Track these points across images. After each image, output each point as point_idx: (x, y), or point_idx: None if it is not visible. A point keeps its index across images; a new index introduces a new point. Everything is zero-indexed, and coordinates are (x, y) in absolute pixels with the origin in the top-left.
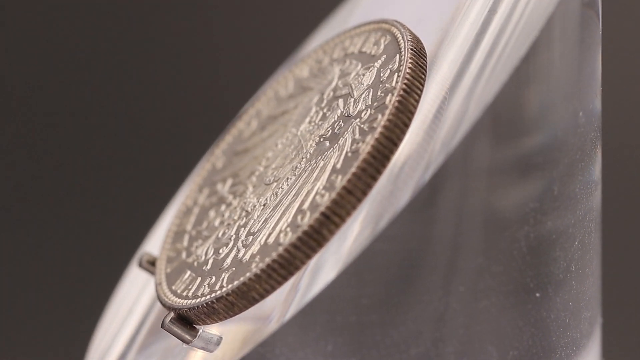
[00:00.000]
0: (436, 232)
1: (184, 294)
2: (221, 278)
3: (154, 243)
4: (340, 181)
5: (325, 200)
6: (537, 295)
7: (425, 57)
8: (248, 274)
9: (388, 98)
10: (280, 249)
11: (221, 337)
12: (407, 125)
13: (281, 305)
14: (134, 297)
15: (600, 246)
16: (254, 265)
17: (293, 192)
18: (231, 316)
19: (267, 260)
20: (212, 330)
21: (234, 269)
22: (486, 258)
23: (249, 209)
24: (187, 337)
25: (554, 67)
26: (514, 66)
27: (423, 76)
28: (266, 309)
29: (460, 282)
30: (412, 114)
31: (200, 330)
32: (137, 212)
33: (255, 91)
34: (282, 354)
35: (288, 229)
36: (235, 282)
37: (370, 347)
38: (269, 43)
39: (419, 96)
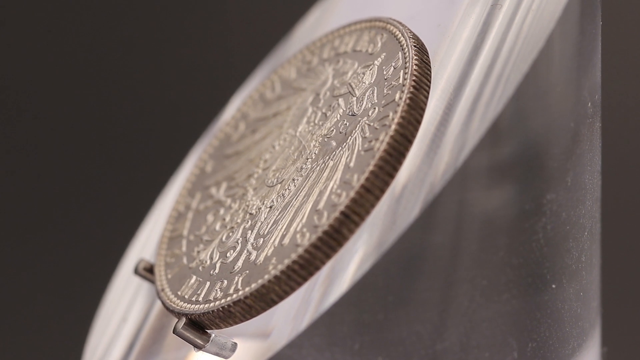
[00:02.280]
0: (459, 226)
1: (194, 299)
2: (234, 281)
3: (139, 249)
4: (357, 180)
5: (343, 199)
6: (553, 286)
7: (428, 54)
8: (266, 276)
9: (397, 95)
10: (300, 250)
11: (236, 343)
12: (419, 122)
13: (293, 317)
14: (122, 311)
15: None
16: (271, 267)
17: (303, 193)
18: (247, 319)
19: (287, 261)
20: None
21: (247, 271)
22: (507, 251)
23: (253, 212)
24: (200, 342)
25: (558, 57)
26: (528, 65)
27: (429, 72)
28: (279, 320)
29: (483, 276)
30: (423, 110)
31: (213, 335)
32: (115, 218)
33: (227, 95)
34: (309, 354)
35: (305, 230)
36: (253, 285)
37: (397, 344)
38: (240, 47)
39: (428, 92)
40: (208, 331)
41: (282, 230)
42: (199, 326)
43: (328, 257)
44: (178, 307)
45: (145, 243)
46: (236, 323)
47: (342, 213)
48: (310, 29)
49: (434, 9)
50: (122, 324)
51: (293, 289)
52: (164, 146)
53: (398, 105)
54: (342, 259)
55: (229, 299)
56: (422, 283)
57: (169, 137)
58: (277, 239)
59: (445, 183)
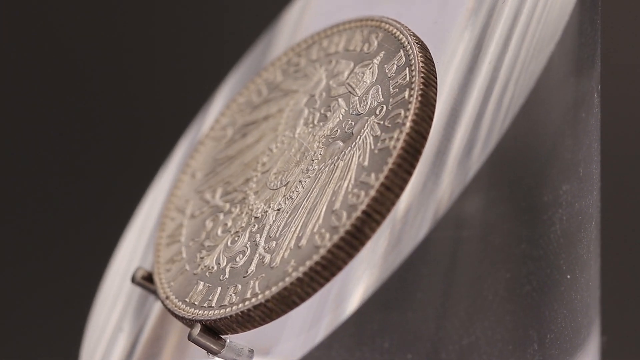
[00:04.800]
0: (484, 220)
1: (206, 304)
2: (250, 285)
3: (126, 257)
4: (376, 179)
5: (363, 198)
6: (568, 277)
7: (429, 51)
8: (287, 279)
9: (407, 92)
10: (322, 251)
11: (252, 350)
12: (431, 119)
13: (305, 335)
14: (114, 321)
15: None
16: (290, 269)
17: (314, 194)
18: (266, 323)
19: (308, 263)
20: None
21: (263, 275)
22: (528, 244)
23: (258, 215)
24: (215, 347)
25: (569, 48)
26: (543, 62)
27: (434, 69)
28: (291, 337)
29: (507, 269)
30: (434, 106)
31: (228, 341)
32: (95, 225)
33: (201, 98)
34: (338, 354)
35: (323, 231)
36: (273, 288)
37: (425, 341)
38: (214, 48)
39: (436, 89)
40: (222, 336)
41: (297, 232)
42: (213, 332)
43: (350, 256)
44: (190, 314)
45: (133, 251)
46: (254, 327)
47: (364, 212)
48: (290, 28)
49: (420, 6)
50: (119, 333)
51: (315, 290)
52: (142, 151)
53: (410, 102)
54: (350, 278)
55: (247, 303)
56: (448, 279)
57: (146, 143)
58: (293, 241)
59: (453, 201)
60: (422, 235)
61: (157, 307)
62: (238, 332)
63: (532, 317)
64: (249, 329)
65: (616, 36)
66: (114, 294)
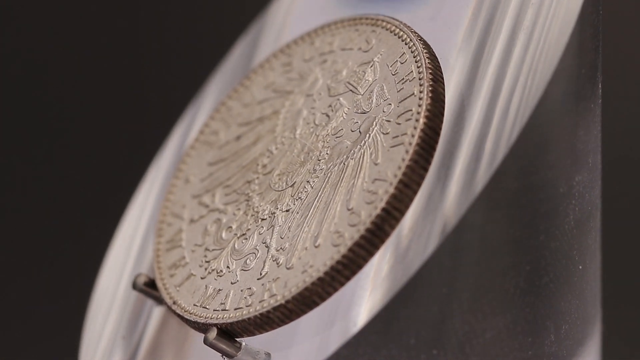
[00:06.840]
0: (504, 213)
1: (220, 308)
2: (267, 287)
3: (119, 264)
4: (393, 176)
5: (382, 195)
6: (580, 267)
7: (432, 47)
8: (308, 279)
9: (416, 89)
10: (343, 249)
11: (269, 354)
12: (442, 114)
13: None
14: (110, 330)
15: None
16: (309, 269)
17: (325, 194)
18: (285, 324)
19: (329, 262)
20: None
21: (279, 276)
22: (546, 236)
23: (266, 217)
24: (232, 351)
25: (582, 40)
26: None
27: (439, 65)
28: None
29: (527, 261)
30: (444, 102)
31: (244, 344)
32: (83, 231)
33: (182, 102)
34: (365, 352)
35: (341, 229)
36: (293, 289)
37: (450, 336)
38: (197, 49)
39: (444, 85)
40: (238, 339)
41: (312, 231)
42: (228, 335)
43: (371, 254)
44: (204, 318)
45: (125, 257)
46: (272, 329)
47: (384, 209)
48: (275, 29)
49: (416, 3)
50: (120, 340)
51: (335, 290)
52: (128, 155)
53: (420, 98)
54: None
55: (265, 304)
56: (472, 273)
57: (131, 148)
58: (308, 241)
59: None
60: (430, 249)
61: (156, 313)
62: (254, 334)
63: (549, 308)
64: (267, 331)
65: (616, 25)
66: (108, 301)
